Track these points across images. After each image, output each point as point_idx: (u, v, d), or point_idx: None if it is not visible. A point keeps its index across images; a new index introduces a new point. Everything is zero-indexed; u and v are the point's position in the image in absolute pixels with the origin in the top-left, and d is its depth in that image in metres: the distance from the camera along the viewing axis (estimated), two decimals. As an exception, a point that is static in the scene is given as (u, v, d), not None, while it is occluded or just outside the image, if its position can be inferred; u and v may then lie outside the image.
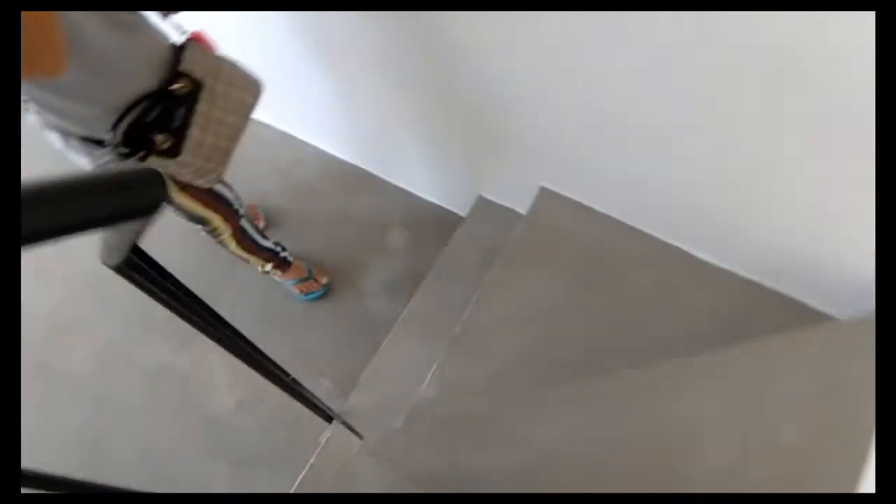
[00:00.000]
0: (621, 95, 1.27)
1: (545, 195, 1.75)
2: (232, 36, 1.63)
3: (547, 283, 1.68)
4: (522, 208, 1.89)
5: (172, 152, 1.27)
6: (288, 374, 1.35)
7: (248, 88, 1.41)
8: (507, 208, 1.97)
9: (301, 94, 2.12)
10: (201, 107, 1.28)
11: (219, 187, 1.63)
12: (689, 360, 1.37)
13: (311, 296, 2.17)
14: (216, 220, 1.67)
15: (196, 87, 1.26)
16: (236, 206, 1.72)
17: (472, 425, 1.36)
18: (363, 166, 2.37)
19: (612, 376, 1.39)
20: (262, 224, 2.31)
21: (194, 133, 1.29)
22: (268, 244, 1.95)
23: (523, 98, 1.45)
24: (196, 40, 1.39)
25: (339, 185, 2.39)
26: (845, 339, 1.33)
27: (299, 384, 1.41)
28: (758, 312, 1.52)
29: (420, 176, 2.21)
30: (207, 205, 1.60)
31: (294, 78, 2.03)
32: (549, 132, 1.52)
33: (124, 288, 0.79)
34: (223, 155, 1.41)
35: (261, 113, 2.38)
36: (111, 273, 0.74)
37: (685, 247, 1.62)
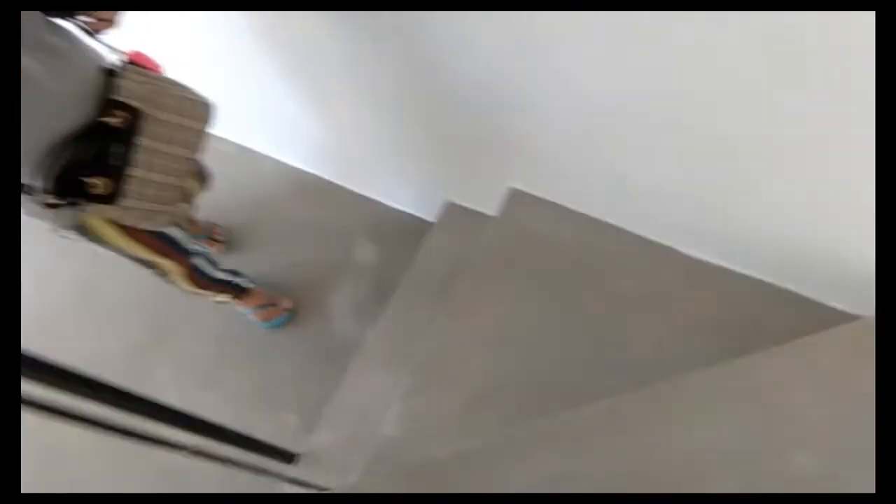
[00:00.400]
0: (603, 90, 1.09)
1: (516, 197, 1.56)
2: (178, 47, 1.45)
3: (520, 297, 1.48)
4: (494, 212, 1.70)
5: (112, 197, 1.09)
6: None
7: (196, 114, 1.24)
8: (479, 213, 1.78)
9: (257, 105, 1.94)
10: (143, 141, 1.11)
11: (169, 228, 1.44)
12: (688, 379, 1.17)
13: (273, 323, 1.98)
14: (166, 264, 1.49)
15: (135, 119, 1.08)
16: (186, 246, 1.53)
17: (438, 475, 1.16)
18: (325, 176, 2.18)
19: (597, 403, 1.19)
20: (220, 248, 2.12)
21: (137, 173, 1.11)
22: (222, 276, 1.76)
23: (493, 95, 1.27)
24: (135, 63, 1.21)
25: (301, 197, 2.20)
26: (866, 343, 1.12)
27: (248, 439, 1.23)
28: (768, 319, 1.32)
29: (385, 182, 2.02)
30: (156, 249, 1.41)
31: (249, 88, 1.85)
32: (521, 129, 1.33)
33: None
34: (173, 193, 1.23)
35: (216, 126, 2.20)
36: None
37: (678, 246, 1.42)
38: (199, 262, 1.63)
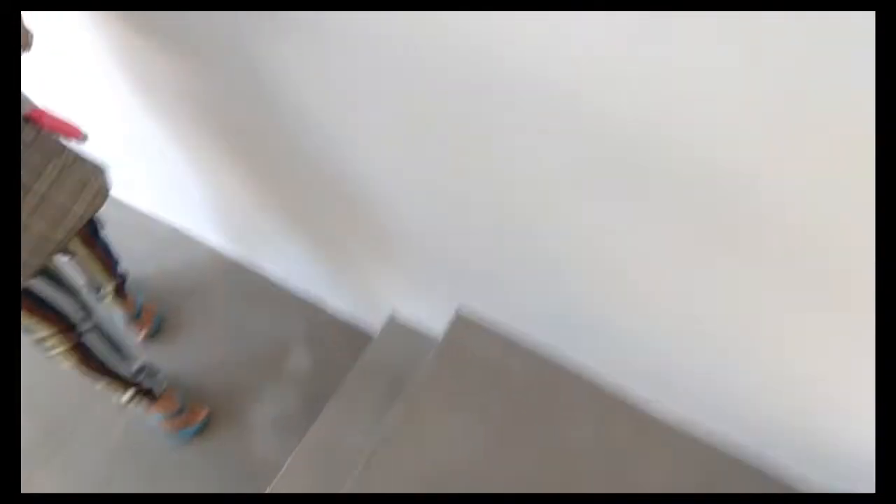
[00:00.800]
0: (535, 204, 0.98)
1: (461, 321, 1.43)
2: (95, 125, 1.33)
3: (460, 433, 1.32)
4: (439, 333, 1.56)
5: None
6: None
7: (82, 195, 1.22)
8: (421, 333, 1.64)
9: (182, 187, 1.80)
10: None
11: (47, 292, 1.30)
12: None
13: (183, 434, 1.75)
14: (43, 330, 1.32)
15: None
16: (75, 320, 1.37)
17: None
18: (262, 273, 2.03)
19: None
20: (145, 333, 1.91)
21: None
22: (123, 370, 1.56)
23: (413, 203, 1.16)
24: (36, 121, 1.12)
25: (235, 293, 2.03)
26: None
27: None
28: (725, 487, 1.18)
29: (323, 286, 1.87)
30: (30, 312, 1.29)
31: (172, 167, 1.72)
32: (454, 246, 1.23)
33: None
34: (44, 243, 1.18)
35: (148, 204, 2.05)
36: None
37: (633, 398, 1.30)
38: (95, 343, 1.45)
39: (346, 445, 1.52)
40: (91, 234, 1.63)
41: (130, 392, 1.62)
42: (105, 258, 1.74)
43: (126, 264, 1.87)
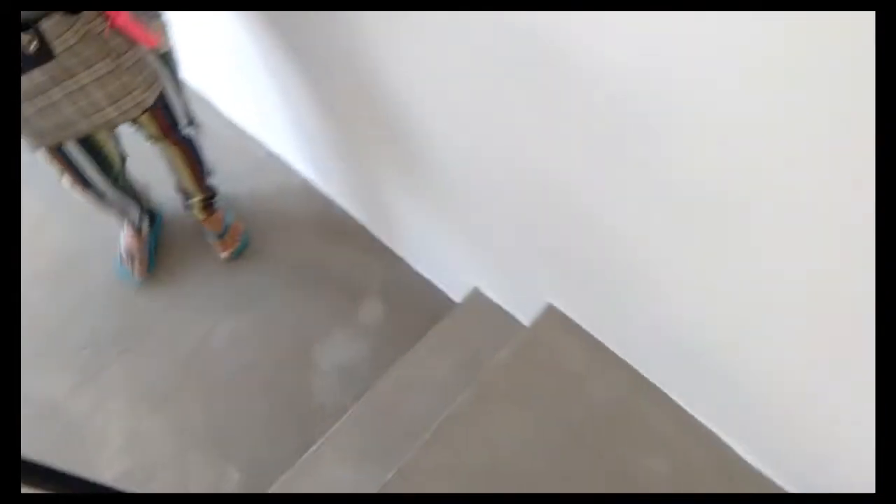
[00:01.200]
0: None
1: (551, 316, 1.33)
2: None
3: (527, 432, 1.25)
4: (525, 318, 1.48)
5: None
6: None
7: (120, 102, 1.28)
8: (507, 313, 1.56)
9: (285, 115, 1.76)
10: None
11: (79, 160, 1.45)
12: None
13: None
14: (66, 182, 1.52)
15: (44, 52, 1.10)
16: (103, 191, 1.58)
17: None
18: (354, 214, 1.98)
19: None
20: (229, 253, 1.92)
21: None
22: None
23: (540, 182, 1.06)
24: (109, 17, 1.16)
25: (322, 230, 2.00)
26: None
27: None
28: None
29: (413, 242, 1.81)
30: (62, 166, 1.46)
31: (281, 96, 1.68)
32: (560, 235, 1.12)
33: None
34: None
35: (251, 125, 2.03)
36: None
37: (728, 439, 1.18)
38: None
39: (408, 411, 1.48)
40: (170, 124, 1.54)
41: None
42: (194, 165, 1.72)
43: (219, 181, 1.87)
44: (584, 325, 1.30)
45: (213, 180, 1.84)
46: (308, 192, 2.05)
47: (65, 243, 2.01)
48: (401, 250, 1.89)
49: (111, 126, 1.36)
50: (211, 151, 1.77)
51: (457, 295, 1.76)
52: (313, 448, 1.47)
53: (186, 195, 1.85)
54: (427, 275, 1.85)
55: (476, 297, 1.59)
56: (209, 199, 1.87)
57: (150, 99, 1.34)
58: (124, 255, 1.88)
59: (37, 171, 1.55)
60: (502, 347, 1.36)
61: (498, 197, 1.19)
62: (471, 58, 0.92)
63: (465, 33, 0.88)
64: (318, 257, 1.94)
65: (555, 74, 0.82)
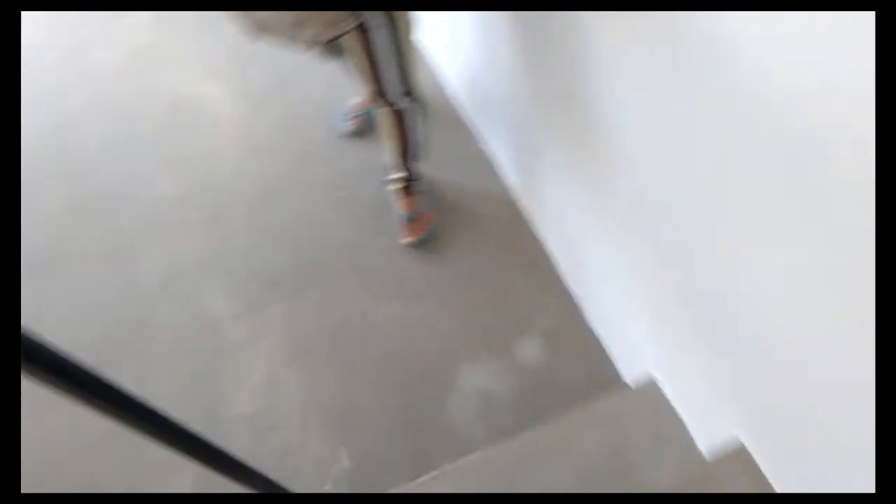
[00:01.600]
0: None
1: (736, 457, 1.13)
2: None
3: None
4: (702, 443, 1.29)
5: None
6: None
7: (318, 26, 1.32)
8: (682, 423, 1.36)
9: (509, 122, 1.67)
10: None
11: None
12: None
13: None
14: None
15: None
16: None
17: None
18: (544, 240, 1.86)
19: None
20: (413, 239, 1.89)
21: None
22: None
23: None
24: None
25: (508, 245, 1.90)
26: None
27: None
28: None
29: (598, 299, 1.65)
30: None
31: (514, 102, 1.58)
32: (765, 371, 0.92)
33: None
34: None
35: (475, 118, 1.98)
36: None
37: None
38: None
39: (539, 479, 1.36)
40: (380, 87, 1.54)
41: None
42: (401, 139, 1.68)
43: (425, 167, 1.84)
44: (768, 473, 1.09)
45: (420, 165, 1.80)
46: (507, 203, 1.97)
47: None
48: (581, 298, 1.74)
49: (299, 45, 1.39)
50: (429, 136, 1.72)
51: (627, 372, 1.59)
52: (433, 473, 1.39)
53: (389, 168, 1.83)
54: (600, 335, 1.69)
55: (653, 391, 1.41)
56: (409, 180, 1.83)
57: (324, 36, 1.34)
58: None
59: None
60: (667, 464, 1.18)
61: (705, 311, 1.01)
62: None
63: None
64: (496, 274, 1.85)
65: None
